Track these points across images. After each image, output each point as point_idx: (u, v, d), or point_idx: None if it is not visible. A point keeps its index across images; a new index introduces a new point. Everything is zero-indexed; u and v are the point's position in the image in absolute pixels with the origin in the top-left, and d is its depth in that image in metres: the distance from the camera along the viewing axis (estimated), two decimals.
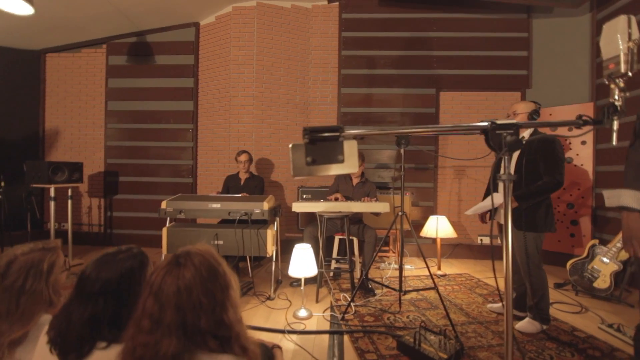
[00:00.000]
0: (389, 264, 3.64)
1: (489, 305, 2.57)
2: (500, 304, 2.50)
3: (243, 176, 3.51)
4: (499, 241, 4.01)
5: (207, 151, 4.25)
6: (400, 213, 2.33)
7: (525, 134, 2.33)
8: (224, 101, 4.07)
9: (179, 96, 4.31)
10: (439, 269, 3.50)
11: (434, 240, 4.12)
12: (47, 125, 4.46)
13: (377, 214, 3.33)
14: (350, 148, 0.87)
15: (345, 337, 2.07)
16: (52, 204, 3.37)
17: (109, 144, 4.37)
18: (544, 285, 2.17)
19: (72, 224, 3.65)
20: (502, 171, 1.04)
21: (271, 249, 2.67)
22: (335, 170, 0.88)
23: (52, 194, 3.34)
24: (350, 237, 3.01)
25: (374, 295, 2.72)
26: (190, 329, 0.75)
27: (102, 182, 4.37)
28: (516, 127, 1.03)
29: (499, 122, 1.03)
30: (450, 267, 3.68)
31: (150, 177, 4.33)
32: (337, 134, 0.87)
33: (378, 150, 4.12)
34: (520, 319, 2.24)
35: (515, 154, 2.40)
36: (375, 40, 4.14)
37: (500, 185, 2.00)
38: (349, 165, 0.87)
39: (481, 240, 4.09)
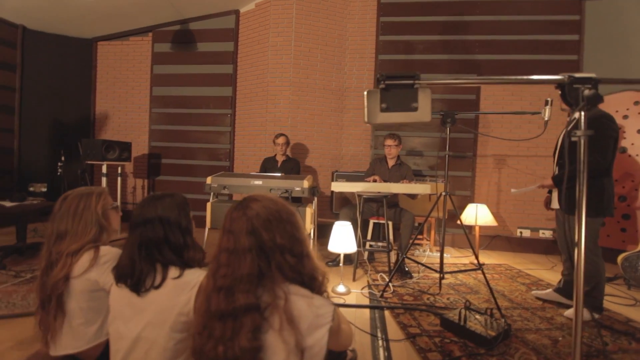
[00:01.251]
0: (424, 251, 3.60)
1: (534, 292, 2.48)
2: (546, 291, 2.41)
3: (280, 158, 3.59)
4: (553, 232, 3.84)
5: (243, 135, 4.37)
6: (443, 193, 2.29)
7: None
8: (262, 87, 4.16)
9: (218, 82, 4.45)
10: (477, 258, 3.40)
11: (470, 230, 4.02)
12: (97, 109, 4.77)
13: (414, 197, 3.30)
14: (425, 97, 0.88)
15: (386, 313, 2.08)
16: (103, 179, 3.61)
17: (153, 127, 4.61)
18: (599, 274, 2.06)
19: (120, 201, 3.89)
20: (579, 129, 0.99)
21: (309, 227, 2.72)
22: (407, 118, 0.89)
23: (104, 170, 3.58)
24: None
25: (411, 277, 2.70)
26: (268, 247, 0.80)
27: (146, 164, 4.61)
28: (595, 82, 0.99)
29: (577, 75, 0.99)
30: (488, 258, 3.58)
31: (190, 159, 4.53)
32: (412, 81, 0.87)
33: (412, 137, 4.06)
34: (569, 307, 2.15)
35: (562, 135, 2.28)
36: (413, 25, 4.07)
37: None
38: (422, 113, 0.87)
39: (520, 232, 3.93)
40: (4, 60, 4.08)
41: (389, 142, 3.10)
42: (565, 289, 2.31)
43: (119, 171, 3.79)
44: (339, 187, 2.77)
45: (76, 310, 1.20)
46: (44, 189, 3.02)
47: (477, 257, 2.25)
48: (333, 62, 4.15)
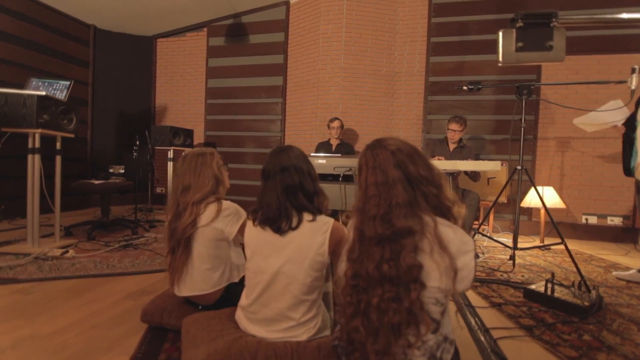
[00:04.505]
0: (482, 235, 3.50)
1: (615, 273, 2.35)
2: (630, 272, 2.28)
3: (334, 142, 3.65)
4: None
5: (294, 123, 4.49)
6: (518, 167, 2.24)
7: None
8: (313, 74, 4.25)
9: (269, 72, 4.60)
10: (542, 242, 3.27)
11: (530, 216, 3.87)
12: (157, 102, 5.10)
13: (475, 179, 3.22)
14: (560, 36, 0.88)
15: None
16: (169, 164, 3.87)
17: (208, 117, 4.85)
18: None
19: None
20: None
21: None
22: (542, 58, 0.90)
23: (170, 155, 3.83)
24: None
25: (478, 257, 2.66)
26: (414, 177, 0.86)
27: None
28: None
29: None
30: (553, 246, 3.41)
31: (242, 147, 4.72)
32: (550, 19, 0.88)
33: (469, 120, 3.96)
34: None
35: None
36: (467, 4, 3.96)
37: None
38: (556, 54, 0.88)
39: (586, 219, 3.72)
40: (80, 57, 4.49)
41: (454, 126, 3.03)
42: None
43: None
44: None
45: (203, 256, 1.33)
46: (122, 170, 3.29)
47: (559, 232, 2.17)
48: (383, 46, 4.14)
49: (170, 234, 1.35)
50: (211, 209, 1.33)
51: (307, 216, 1.08)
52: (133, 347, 1.26)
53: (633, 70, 2.09)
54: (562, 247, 3.35)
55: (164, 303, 1.41)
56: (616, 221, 3.64)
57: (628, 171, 2.32)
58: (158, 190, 5.02)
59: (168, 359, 1.20)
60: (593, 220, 3.70)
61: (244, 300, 1.14)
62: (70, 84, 2.64)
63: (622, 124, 2.36)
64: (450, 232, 0.84)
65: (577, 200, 3.74)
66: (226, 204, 1.36)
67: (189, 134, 3.95)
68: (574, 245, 3.45)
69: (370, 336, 0.81)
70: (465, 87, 2.37)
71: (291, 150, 1.16)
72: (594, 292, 1.74)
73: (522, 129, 2.26)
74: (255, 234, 1.13)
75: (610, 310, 1.72)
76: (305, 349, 0.98)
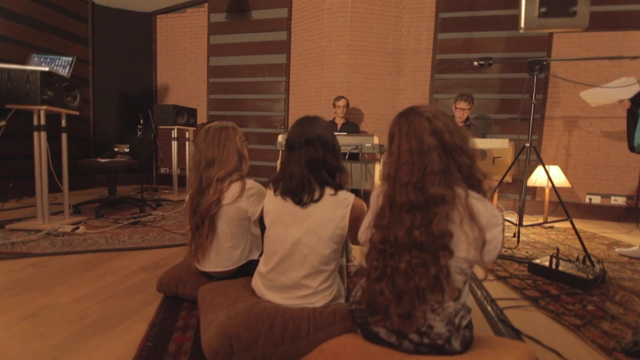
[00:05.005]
0: None
1: (618, 250, 2.39)
2: (633, 248, 2.31)
3: (339, 121, 3.62)
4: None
5: (298, 102, 4.43)
6: (527, 144, 2.23)
7: None
8: (317, 51, 4.16)
9: (272, 49, 4.50)
10: (546, 220, 3.30)
11: (533, 196, 3.89)
12: (158, 81, 5.02)
13: (482, 158, 3.22)
14: (584, 2, 0.85)
15: None
16: (174, 143, 3.86)
17: (211, 97, 4.79)
18: None
19: (179, 167, 4.15)
20: None
21: (378, 184, 2.76)
22: (564, 24, 0.87)
23: (174, 134, 3.81)
24: None
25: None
26: (449, 146, 0.85)
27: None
28: None
29: None
30: (556, 223, 3.45)
31: (246, 127, 4.69)
32: None
33: (476, 99, 3.90)
34: None
35: None
36: None
37: None
38: (579, 20, 0.85)
39: (590, 199, 3.73)
40: (79, 34, 4.39)
41: (462, 104, 3.00)
42: None
43: (187, 136, 4.01)
44: None
45: (226, 234, 1.34)
46: (127, 150, 3.29)
47: (565, 209, 2.18)
48: (390, 22, 4.03)
49: (193, 209, 1.33)
50: (235, 187, 1.32)
51: (329, 190, 1.08)
52: (151, 315, 1.30)
53: None
54: (565, 225, 3.39)
55: (179, 274, 1.44)
56: (620, 201, 3.66)
57: (633, 148, 2.31)
58: (162, 170, 5.03)
59: (185, 325, 1.24)
60: (597, 200, 3.72)
61: (261, 267, 1.17)
62: (72, 60, 2.60)
63: (629, 99, 2.32)
64: (481, 206, 0.85)
65: (582, 180, 3.74)
66: (250, 183, 1.35)
67: (192, 113, 3.91)
68: (576, 224, 3.47)
69: (394, 300, 0.83)
70: (476, 63, 2.33)
71: (318, 121, 1.14)
72: (598, 266, 1.77)
73: (532, 105, 2.23)
74: (275, 204, 1.13)
75: (613, 283, 1.76)
76: (321, 313, 1.01)
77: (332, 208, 1.06)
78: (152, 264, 1.87)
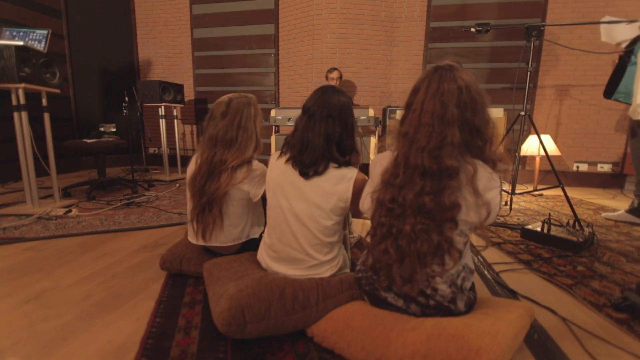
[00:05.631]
0: None
1: (604, 214, 2.49)
2: (618, 212, 2.41)
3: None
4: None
5: (289, 75, 4.30)
6: (522, 113, 2.23)
7: None
8: (307, 20, 3.98)
9: (259, 19, 4.29)
10: (536, 188, 3.39)
11: (523, 165, 3.96)
12: (140, 55, 4.77)
13: None
14: None
15: None
16: (161, 122, 3.73)
17: (197, 72, 4.60)
18: None
19: (169, 147, 4.05)
20: None
21: (374, 157, 2.76)
22: None
23: (162, 112, 3.68)
24: None
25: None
26: (468, 124, 0.83)
27: (193, 109, 4.69)
28: None
29: None
30: (545, 191, 3.54)
31: None
32: None
33: (470, 69, 3.85)
34: None
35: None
36: None
37: None
38: None
39: (577, 166, 3.83)
40: (51, 6, 4.07)
41: None
42: (638, 209, 2.30)
43: (174, 113, 3.88)
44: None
45: (229, 214, 1.32)
46: (114, 129, 3.17)
47: (557, 177, 2.23)
48: None
49: (199, 190, 1.28)
50: (242, 170, 1.27)
51: (332, 164, 1.07)
52: (156, 293, 1.31)
53: None
54: (554, 193, 3.50)
55: (182, 251, 1.44)
56: (606, 168, 3.76)
57: (609, 95, 2.40)
58: (151, 150, 4.90)
59: (192, 300, 1.26)
60: (584, 167, 3.82)
61: (266, 238, 1.17)
62: (48, 34, 2.42)
63: (624, 47, 2.34)
64: (482, 170, 0.85)
65: (571, 149, 3.82)
66: (255, 164, 1.31)
67: (179, 89, 3.76)
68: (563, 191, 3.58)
69: (397, 261, 0.85)
70: (473, 29, 2.27)
71: (343, 96, 1.10)
72: (587, 230, 1.84)
73: (528, 73, 2.21)
74: (279, 173, 1.11)
75: (601, 245, 1.84)
76: (329, 282, 1.03)
77: (335, 181, 1.06)
78: (151, 243, 1.86)
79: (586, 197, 3.22)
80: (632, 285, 1.36)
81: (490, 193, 0.84)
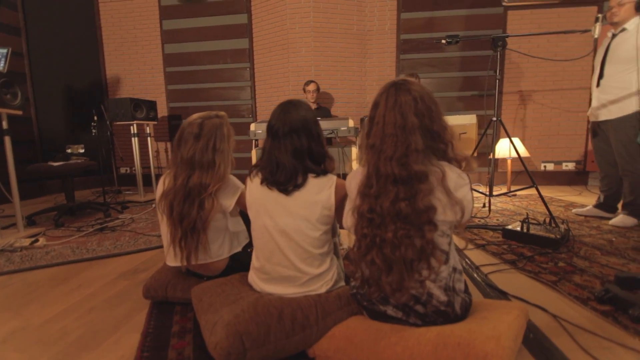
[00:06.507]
0: None
1: (575, 210, 2.63)
2: (587, 208, 2.55)
3: (311, 107, 3.56)
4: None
5: (265, 89, 4.29)
6: (494, 119, 2.35)
7: (629, 25, 2.16)
8: (281, 35, 4.02)
9: (233, 34, 4.28)
10: (509, 189, 3.55)
11: (495, 167, 4.14)
12: (108, 72, 4.60)
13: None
14: None
15: None
16: (134, 140, 3.59)
17: (169, 87, 4.49)
18: None
19: (142, 165, 3.89)
20: None
21: (356, 166, 2.79)
22: None
23: (134, 130, 3.54)
24: None
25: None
26: (428, 130, 0.88)
27: (166, 126, 4.55)
28: None
29: None
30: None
31: None
32: None
33: (433, 78, 4.03)
34: (607, 219, 2.31)
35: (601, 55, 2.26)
36: None
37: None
38: None
39: (544, 166, 4.06)
40: (8, 23, 3.85)
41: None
42: (606, 203, 2.45)
43: (147, 131, 3.74)
44: None
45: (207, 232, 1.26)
46: (82, 150, 3.00)
47: (531, 177, 2.33)
48: (353, 2, 3.97)
49: (179, 215, 1.21)
50: (221, 190, 1.24)
51: (311, 174, 1.07)
52: (141, 324, 1.23)
53: (597, 20, 2.20)
54: (526, 192, 3.67)
55: (167, 277, 1.36)
56: (570, 166, 4.02)
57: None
58: (122, 170, 4.68)
59: (182, 329, 1.18)
60: (550, 167, 4.06)
61: (255, 262, 1.13)
62: (8, 52, 2.28)
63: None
64: (447, 169, 0.88)
65: (537, 150, 4.05)
66: (232, 179, 1.29)
67: (152, 106, 3.64)
68: (534, 190, 3.78)
69: (385, 270, 0.85)
70: (443, 41, 2.38)
71: (301, 107, 1.11)
72: (562, 226, 1.94)
73: (497, 81, 2.34)
74: (259, 194, 1.10)
75: (576, 240, 1.94)
76: (326, 299, 1.01)
77: (317, 190, 1.05)
78: (130, 270, 1.75)
79: (555, 195, 3.41)
80: (610, 278, 1.43)
81: (461, 191, 0.88)
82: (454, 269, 0.94)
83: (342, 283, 1.14)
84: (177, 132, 1.30)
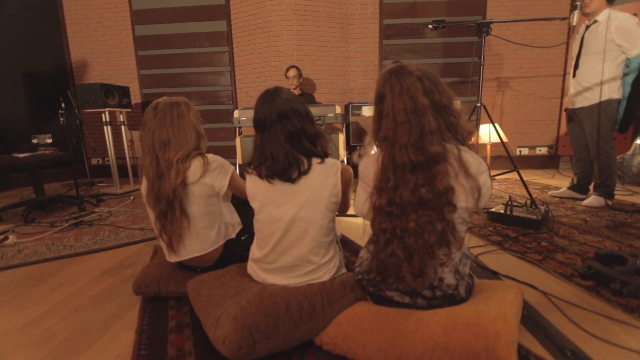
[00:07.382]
0: None
1: (550, 192, 2.77)
2: (561, 190, 2.70)
3: (294, 93, 3.49)
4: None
5: (246, 74, 4.14)
6: (478, 104, 2.39)
7: (600, 17, 2.24)
8: (261, 17, 3.86)
9: (209, 15, 4.06)
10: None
11: (476, 152, 4.27)
12: (73, 57, 4.26)
13: None
14: None
15: None
16: (106, 129, 3.37)
17: (142, 72, 4.23)
18: (614, 165, 2.31)
19: (116, 156, 3.69)
20: None
21: (343, 154, 2.77)
22: None
23: (106, 118, 3.32)
24: None
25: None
26: (439, 106, 0.87)
27: (140, 114, 4.31)
28: None
29: None
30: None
31: None
32: None
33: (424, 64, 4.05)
34: (581, 200, 2.45)
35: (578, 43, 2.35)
36: None
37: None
38: None
39: (520, 151, 4.23)
40: None
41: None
42: (579, 185, 2.60)
43: (121, 119, 3.53)
44: (369, 111, 2.78)
45: (197, 215, 1.22)
46: (49, 140, 2.78)
47: (513, 161, 2.42)
48: None
49: (155, 196, 1.19)
50: (196, 164, 1.20)
51: (315, 159, 1.05)
52: (133, 322, 1.17)
53: (574, 7, 2.26)
54: (505, 177, 3.82)
55: (158, 271, 1.30)
56: (543, 151, 4.21)
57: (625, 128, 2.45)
58: (94, 161, 4.42)
59: (179, 324, 1.14)
60: (525, 151, 4.23)
61: (256, 253, 1.10)
62: None
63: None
64: (469, 156, 0.89)
65: (514, 135, 4.20)
66: (211, 157, 1.24)
67: (124, 92, 3.43)
68: (511, 175, 3.94)
69: (405, 260, 0.85)
70: (430, 26, 2.37)
71: (282, 92, 1.08)
72: (543, 208, 2.03)
73: (482, 67, 2.37)
74: (262, 187, 1.06)
75: (555, 221, 2.05)
76: (331, 287, 1.00)
77: (323, 177, 1.04)
78: (115, 266, 1.67)
79: (531, 178, 3.58)
80: (590, 255, 1.52)
81: (483, 176, 0.89)
82: (463, 254, 0.96)
83: (344, 270, 1.14)
84: (141, 123, 1.27)
